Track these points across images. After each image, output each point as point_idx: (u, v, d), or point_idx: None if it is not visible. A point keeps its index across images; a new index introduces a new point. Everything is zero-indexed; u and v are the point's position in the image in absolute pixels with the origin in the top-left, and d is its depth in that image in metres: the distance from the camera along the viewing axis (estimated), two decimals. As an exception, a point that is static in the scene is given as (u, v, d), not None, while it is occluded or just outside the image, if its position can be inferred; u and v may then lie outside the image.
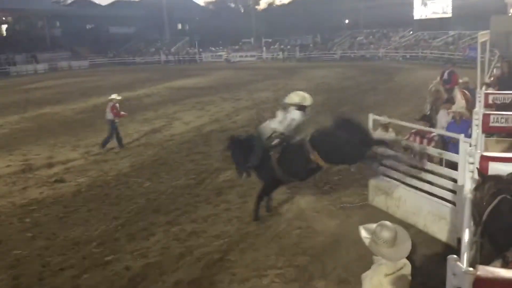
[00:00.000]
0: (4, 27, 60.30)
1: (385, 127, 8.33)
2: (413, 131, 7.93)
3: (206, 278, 5.87)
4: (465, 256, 3.82)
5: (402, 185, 7.33)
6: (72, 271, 6.19)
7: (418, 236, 6.61)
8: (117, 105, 12.96)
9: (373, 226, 3.49)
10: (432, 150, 6.97)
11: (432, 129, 7.75)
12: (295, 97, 7.73)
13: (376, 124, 8.14)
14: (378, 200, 7.89)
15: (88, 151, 12.86)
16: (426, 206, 6.84)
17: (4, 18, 60.28)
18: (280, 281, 5.72)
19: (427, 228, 6.84)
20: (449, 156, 6.60)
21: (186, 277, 5.92)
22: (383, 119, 8.27)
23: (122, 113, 13.20)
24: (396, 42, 48.71)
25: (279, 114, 7.53)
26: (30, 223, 7.95)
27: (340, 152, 6.62)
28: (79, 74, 43.00)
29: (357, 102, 19.44)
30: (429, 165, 6.91)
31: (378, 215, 7.52)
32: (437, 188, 6.73)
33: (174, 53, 57.49)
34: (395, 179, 7.54)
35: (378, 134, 7.58)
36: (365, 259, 5.93)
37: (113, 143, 13.02)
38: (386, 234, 3.35)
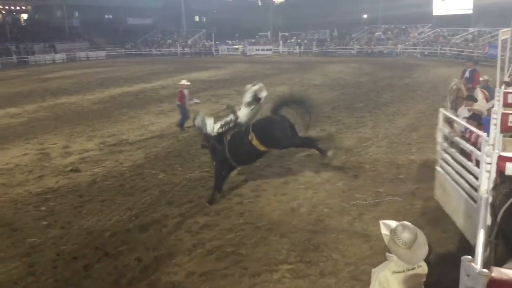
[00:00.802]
0: (24, 16, 60.99)
1: (450, 123, 8.16)
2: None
3: (218, 271, 5.90)
4: (479, 257, 3.78)
5: (452, 182, 7.20)
6: (85, 261, 6.27)
7: (433, 235, 6.55)
8: (185, 91, 14.04)
9: (393, 223, 3.51)
10: (466, 146, 6.81)
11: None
12: (254, 88, 8.47)
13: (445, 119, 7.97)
14: (438, 195, 7.84)
15: (104, 142, 12.98)
16: (461, 204, 6.74)
17: (24, 8, 60.94)
18: (291, 276, 5.72)
19: (461, 226, 6.72)
20: (475, 154, 6.48)
21: (198, 269, 5.96)
22: (449, 115, 8.14)
23: (188, 101, 14.10)
24: (415, 38, 48.10)
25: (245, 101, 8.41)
26: (46, 211, 8.07)
27: (272, 136, 7.92)
28: (96, 65, 43.35)
29: (373, 98, 19.30)
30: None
31: (392, 213, 7.48)
32: (467, 185, 6.61)
33: (190, 45, 57.59)
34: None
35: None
36: (377, 256, 5.93)
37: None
38: (406, 236, 3.34)
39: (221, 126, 8.26)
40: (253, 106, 8.30)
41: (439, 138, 7.89)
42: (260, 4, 63.40)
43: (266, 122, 8.16)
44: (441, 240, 6.50)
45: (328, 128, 13.82)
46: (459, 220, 6.81)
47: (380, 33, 52.18)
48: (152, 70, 35.59)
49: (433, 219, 7.22)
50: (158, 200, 8.45)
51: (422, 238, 3.43)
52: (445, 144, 7.61)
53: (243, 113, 8.28)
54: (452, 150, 7.36)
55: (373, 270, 3.55)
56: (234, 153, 8.16)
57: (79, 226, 7.37)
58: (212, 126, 8.33)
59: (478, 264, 3.58)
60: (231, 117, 8.21)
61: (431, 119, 14.64)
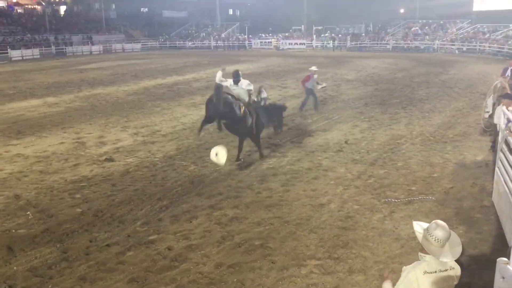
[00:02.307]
0: (63, 8, 62.60)
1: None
2: None
3: (246, 263, 5.92)
4: (515, 260, 3.67)
5: (503, 182, 6.99)
6: (117, 248, 6.41)
7: (466, 235, 6.40)
8: (314, 76, 15.25)
9: (426, 224, 3.48)
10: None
11: None
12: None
13: None
14: (494, 196, 7.68)
15: (137, 132, 13.21)
16: (507, 205, 6.53)
17: (63, 0, 62.56)
18: (319, 272, 5.69)
19: (505, 229, 6.47)
20: None
21: (226, 261, 6.00)
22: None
23: (316, 85, 15.38)
24: (453, 34, 46.83)
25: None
26: (80, 199, 8.28)
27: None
28: (131, 57, 44.12)
29: (408, 94, 18.93)
30: None
31: (424, 212, 7.34)
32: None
33: (224, 38, 57.83)
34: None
35: None
36: (407, 256, 5.84)
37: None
38: (439, 233, 3.31)
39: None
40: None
41: (499, 138, 7.68)
42: (294, -3, 63.02)
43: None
44: (474, 241, 6.34)
45: (360, 124, 13.65)
46: (503, 221, 6.61)
47: (417, 28, 51.04)
48: (185, 63, 35.95)
49: (467, 219, 7.04)
50: (188, 191, 8.54)
51: (455, 237, 3.42)
52: (504, 145, 7.37)
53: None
54: (505, 149, 7.16)
55: (404, 267, 3.53)
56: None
57: (112, 214, 7.54)
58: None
59: (514, 267, 3.48)
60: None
61: (467, 117, 14.28)
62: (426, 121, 13.97)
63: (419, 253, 3.50)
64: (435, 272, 3.36)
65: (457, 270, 3.45)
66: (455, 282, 3.46)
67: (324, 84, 16.08)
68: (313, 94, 15.57)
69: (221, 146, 9.06)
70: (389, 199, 7.87)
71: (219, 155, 8.83)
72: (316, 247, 6.30)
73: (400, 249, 6.18)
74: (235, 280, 5.58)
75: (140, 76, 27.36)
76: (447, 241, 3.33)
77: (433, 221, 3.42)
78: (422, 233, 3.43)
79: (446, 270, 3.38)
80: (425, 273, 3.36)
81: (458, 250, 3.38)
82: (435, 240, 3.32)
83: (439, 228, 3.33)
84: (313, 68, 15.58)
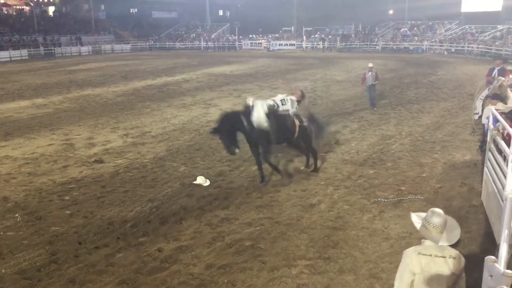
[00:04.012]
0: (52, 9, 62.09)
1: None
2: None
3: (237, 264, 5.92)
4: (503, 258, 3.70)
5: (492, 181, 7.02)
6: (106, 250, 6.37)
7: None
8: (370, 73, 15.85)
9: (423, 214, 3.64)
10: (501, 145, 6.63)
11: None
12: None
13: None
14: (483, 195, 7.74)
15: (127, 134, 13.15)
16: (495, 204, 6.54)
17: (51, 0, 62.06)
18: (310, 272, 5.70)
19: (493, 227, 6.52)
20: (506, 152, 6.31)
21: (217, 261, 5.99)
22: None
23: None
24: (441, 35, 47.23)
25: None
26: (69, 201, 8.21)
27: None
28: (121, 58, 43.89)
29: (397, 95, 19.05)
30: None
31: (413, 212, 7.37)
32: (500, 185, 6.44)
33: (214, 39, 57.78)
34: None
35: None
36: (397, 255, 5.86)
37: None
38: (436, 220, 3.47)
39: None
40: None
41: (488, 138, 7.74)
42: (284, -1, 63.18)
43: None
44: (463, 240, 6.38)
45: (350, 125, 13.71)
46: (492, 220, 6.67)
47: (406, 29, 51.42)
48: (175, 63, 35.85)
49: (456, 219, 6.99)
50: (179, 192, 8.52)
51: (452, 221, 3.59)
52: (492, 145, 7.42)
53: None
54: (493, 149, 7.23)
55: (405, 251, 3.63)
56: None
57: (101, 216, 7.49)
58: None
59: (502, 265, 3.51)
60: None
61: (456, 118, 14.40)
62: (415, 121, 14.07)
63: (422, 240, 3.61)
64: (430, 255, 3.42)
65: (459, 261, 3.44)
66: (456, 272, 3.42)
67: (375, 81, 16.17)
68: (372, 91, 16.07)
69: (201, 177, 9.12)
70: (379, 199, 7.91)
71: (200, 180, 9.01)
72: (307, 247, 6.31)
73: (389, 248, 6.22)
74: (225, 281, 5.57)
75: (129, 77, 27.24)
76: (445, 227, 3.47)
77: (429, 209, 3.57)
78: (420, 222, 3.57)
79: (443, 257, 3.41)
80: (419, 254, 3.45)
81: (456, 234, 3.52)
82: (433, 227, 3.46)
83: (435, 215, 3.48)
84: (369, 65, 16.26)
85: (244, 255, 6.14)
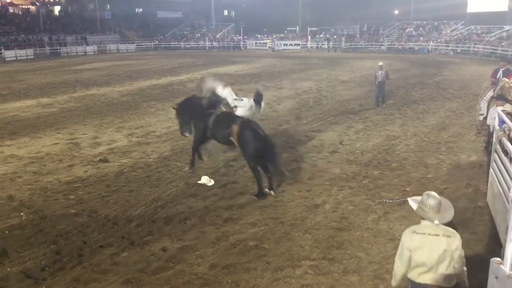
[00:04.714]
0: (57, 8, 62.36)
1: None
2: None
3: (241, 264, 5.92)
4: (509, 260, 3.69)
5: (497, 183, 6.97)
6: (111, 249, 6.38)
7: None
8: (380, 71, 16.54)
9: (419, 197, 3.97)
10: (506, 145, 6.59)
11: None
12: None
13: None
14: (488, 196, 7.67)
15: (132, 133, 13.17)
16: (501, 206, 6.50)
17: (57, 0, 62.33)
18: (314, 272, 5.69)
19: (499, 229, 6.46)
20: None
21: (221, 261, 5.99)
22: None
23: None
24: (447, 35, 47.06)
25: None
26: (74, 200, 8.23)
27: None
28: (126, 57, 44.00)
29: (402, 95, 18.99)
30: None
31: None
32: (506, 186, 6.40)
33: (219, 39, 57.82)
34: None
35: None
36: (402, 256, 5.82)
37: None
38: (432, 201, 3.80)
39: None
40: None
41: (494, 139, 7.70)
42: (289, -2, 63.10)
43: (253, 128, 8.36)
44: (469, 241, 6.35)
45: (355, 125, 13.68)
46: (498, 221, 6.63)
47: (411, 29, 51.26)
48: (180, 63, 35.89)
49: (462, 220, 7.06)
50: (183, 192, 8.52)
51: (447, 202, 3.93)
52: (498, 146, 7.38)
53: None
54: (499, 150, 7.19)
55: (404, 231, 3.98)
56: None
57: (106, 215, 7.50)
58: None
59: (507, 267, 3.49)
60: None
61: (461, 118, 14.34)
62: (420, 122, 14.02)
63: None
64: (424, 234, 3.76)
65: (454, 240, 3.74)
66: (449, 249, 3.71)
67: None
68: (382, 88, 16.57)
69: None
70: (384, 200, 7.89)
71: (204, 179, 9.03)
72: (311, 247, 6.30)
73: (394, 249, 6.16)
74: (229, 281, 5.57)
75: (134, 77, 27.30)
76: (440, 208, 3.80)
77: (424, 193, 3.92)
78: (417, 205, 3.90)
79: (437, 235, 3.73)
80: (413, 233, 3.82)
81: (450, 213, 3.86)
82: (429, 208, 3.80)
83: (431, 198, 3.82)
84: (380, 63, 16.93)
85: (248, 255, 6.13)
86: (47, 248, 6.44)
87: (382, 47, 47.92)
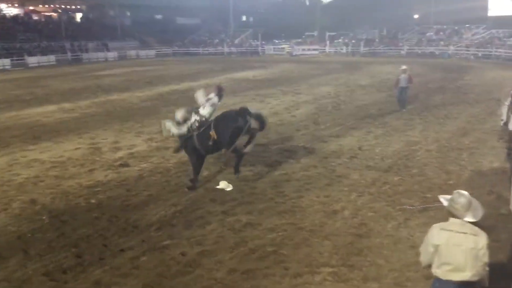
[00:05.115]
0: (79, 15, 63.46)
1: None
2: None
3: (259, 270, 5.91)
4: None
5: None
6: (131, 253, 6.44)
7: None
8: (402, 75, 16.21)
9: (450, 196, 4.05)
10: None
11: None
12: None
13: None
14: None
15: (151, 138, 13.28)
16: None
17: (79, 7, 63.45)
18: (333, 279, 5.65)
19: None
20: None
21: (240, 267, 5.99)
22: None
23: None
24: (468, 39, 46.41)
25: (201, 101, 9.45)
26: (95, 204, 8.35)
27: (224, 135, 8.69)
28: (146, 63, 44.50)
29: (423, 100, 18.75)
30: None
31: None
32: None
33: (237, 44, 58.04)
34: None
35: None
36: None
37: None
38: (463, 200, 3.89)
39: (190, 126, 9.11)
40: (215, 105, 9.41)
41: None
42: (307, 3, 63.08)
43: (224, 118, 9.00)
44: (492, 249, 6.18)
45: (374, 130, 13.57)
46: None
47: (431, 33, 50.70)
48: (199, 69, 36.13)
49: (484, 227, 6.90)
50: (202, 197, 8.56)
51: (476, 202, 4.01)
52: None
53: (207, 111, 9.19)
54: None
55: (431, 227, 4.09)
56: (203, 144, 8.99)
57: (126, 219, 7.58)
58: (179, 129, 9.24)
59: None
60: (195, 118, 9.08)
61: (483, 124, 14.12)
62: (441, 127, 13.84)
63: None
64: (451, 231, 3.86)
65: (481, 238, 3.83)
66: (475, 247, 3.80)
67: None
68: (404, 93, 16.40)
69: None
70: (404, 206, 7.79)
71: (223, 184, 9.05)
72: (330, 254, 6.26)
73: (415, 257, 6.07)
74: (248, 286, 5.57)
75: (154, 82, 27.58)
76: (470, 206, 3.89)
77: (455, 191, 4.00)
78: (448, 203, 3.98)
79: (464, 233, 3.82)
80: (441, 229, 3.93)
81: (480, 212, 3.95)
82: (460, 207, 3.88)
83: (462, 197, 3.91)
84: (403, 67, 16.45)
85: (266, 261, 6.12)
86: (68, 251, 6.53)
87: (402, 52, 47.47)
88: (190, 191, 8.83)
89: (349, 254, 6.23)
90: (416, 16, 59.07)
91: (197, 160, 9.21)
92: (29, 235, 7.10)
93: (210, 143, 8.85)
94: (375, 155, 11.01)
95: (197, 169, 9.21)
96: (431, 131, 13.38)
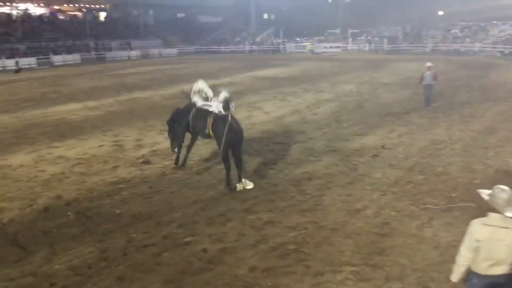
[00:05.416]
0: (103, 14, 64.35)
1: None
2: None
3: (280, 268, 5.90)
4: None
5: None
6: (154, 249, 6.51)
7: None
8: (427, 72, 16.17)
9: (488, 191, 4.10)
10: None
11: None
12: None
13: None
14: None
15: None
16: None
17: (102, 6, 64.33)
18: (355, 278, 5.61)
19: None
20: None
21: (260, 264, 6.00)
22: None
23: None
24: (494, 37, 45.37)
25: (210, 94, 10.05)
26: (118, 200, 8.46)
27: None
28: (168, 62, 44.84)
29: (448, 98, 18.43)
30: None
31: (465, 219, 7.11)
32: None
33: (258, 42, 57.99)
34: None
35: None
36: (447, 264, 5.66)
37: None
38: (503, 195, 3.93)
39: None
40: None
41: None
42: (330, 1, 62.60)
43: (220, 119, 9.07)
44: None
45: (397, 129, 13.40)
46: None
47: (456, 30, 49.73)
48: (220, 67, 36.23)
49: None
50: (223, 194, 8.60)
51: None
52: None
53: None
54: None
55: (471, 222, 4.09)
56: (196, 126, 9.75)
57: (149, 216, 7.67)
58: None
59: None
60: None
61: (510, 122, 13.81)
62: (466, 125, 13.58)
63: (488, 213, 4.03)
64: (494, 226, 3.87)
65: None
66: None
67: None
68: (429, 90, 16.29)
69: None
70: (427, 206, 7.68)
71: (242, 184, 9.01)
72: (352, 253, 6.21)
73: (439, 257, 6.01)
74: (269, 284, 5.57)
75: (176, 81, 27.74)
76: (511, 202, 3.90)
77: (496, 186, 4.05)
78: (489, 197, 4.03)
79: (507, 228, 3.84)
80: (483, 224, 3.94)
81: None
82: (503, 201, 3.90)
83: (503, 192, 3.95)
84: (428, 64, 16.41)
85: (288, 259, 6.11)
86: (93, 246, 6.64)
87: (426, 49, 46.68)
88: (230, 192, 8.72)
89: (371, 254, 6.17)
90: (440, 13, 58.00)
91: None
92: (55, 230, 7.24)
93: (207, 132, 9.27)
94: (398, 154, 10.87)
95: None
96: (456, 129, 13.15)
